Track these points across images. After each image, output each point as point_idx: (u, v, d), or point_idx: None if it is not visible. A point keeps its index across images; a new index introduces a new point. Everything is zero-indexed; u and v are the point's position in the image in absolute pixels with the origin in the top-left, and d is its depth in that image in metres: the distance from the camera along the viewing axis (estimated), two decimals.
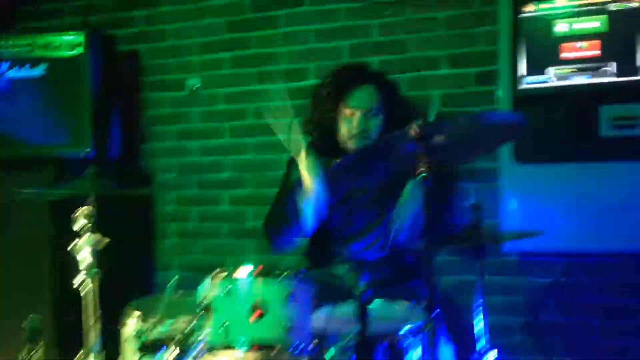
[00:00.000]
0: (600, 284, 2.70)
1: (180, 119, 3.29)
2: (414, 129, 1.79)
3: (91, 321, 2.05)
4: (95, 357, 2.03)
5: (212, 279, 1.75)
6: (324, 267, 2.46)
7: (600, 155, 2.51)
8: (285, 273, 1.74)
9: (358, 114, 2.41)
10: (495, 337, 2.79)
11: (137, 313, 2.07)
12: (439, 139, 1.80)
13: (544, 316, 2.76)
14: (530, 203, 2.64)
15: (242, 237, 3.21)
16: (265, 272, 1.75)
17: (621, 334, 2.67)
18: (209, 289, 1.75)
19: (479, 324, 2.04)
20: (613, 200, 2.50)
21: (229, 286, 1.72)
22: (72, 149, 2.80)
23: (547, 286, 2.75)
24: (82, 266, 2.06)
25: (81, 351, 2.03)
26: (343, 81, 2.44)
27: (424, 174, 1.77)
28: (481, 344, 2.03)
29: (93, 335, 2.06)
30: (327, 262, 2.47)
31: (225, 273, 1.74)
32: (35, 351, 1.84)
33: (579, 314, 2.73)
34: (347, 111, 2.42)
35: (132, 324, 2.08)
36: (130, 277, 2.97)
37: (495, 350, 2.00)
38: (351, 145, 2.44)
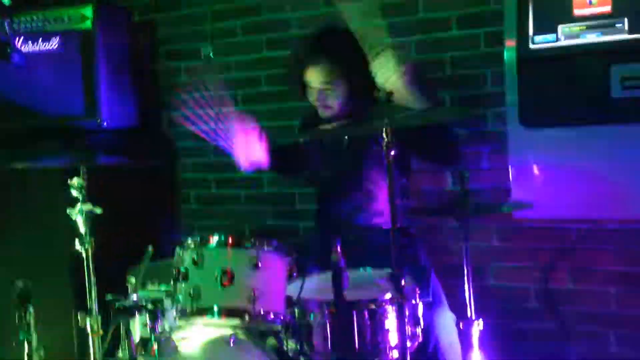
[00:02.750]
0: (615, 251, 2.60)
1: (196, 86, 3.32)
2: None
3: (87, 286, 2.13)
4: (91, 322, 2.11)
5: (183, 247, 1.79)
6: (324, 232, 2.48)
7: (612, 117, 2.37)
8: (256, 242, 1.76)
9: (314, 90, 2.41)
10: (508, 302, 2.77)
11: (132, 280, 2.17)
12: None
13: (557, 283, 2.69)
14: (539, 168, 2.54)
15: (260, 202, 3.25)
16: (236, 241, 1.78)
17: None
18: (181, 257, 1.79)
19: (467, 292, 1.99)
20: (625, 164, 2.38)
21: (200, 254, 1.76)
22: (86, 119, 2.89)
23: (561, 253, 2.67)
24: (78, 234, 2.13)
25: (77, 314, 2.11)
26: (299, 59, 2.44)
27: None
28: (469, 312, 1.99)
29: (90, 299, 2.14)
30: (326, 226, 2.47)
31: (197, 241, 1.77)
32: (24, 315, 1.93)
33: (595, 282, 2.64)
34: (307, 85, 2.43)
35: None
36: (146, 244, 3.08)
37: (481, 320, 1.95)
38: (322, 112, 2.43)
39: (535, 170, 2.54)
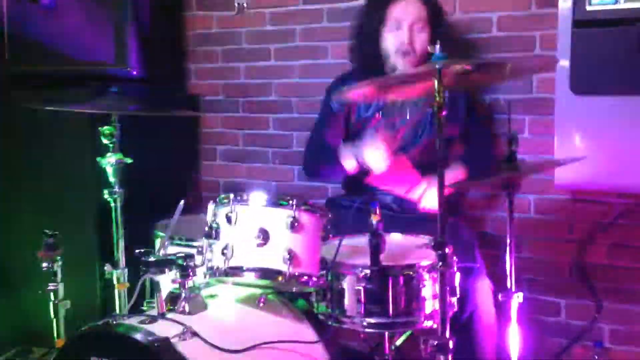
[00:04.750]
0: None
1: (227, 39, 3.22)
2: None
3: (115, 238, 2.08)
4: (117, 274, 2.07)
5: (217, 203, 1.71)
6: (357, 195, 2.40)
7: None
8: (292, 202, 1.68)
9: (405, 26, 2.29)
10: (543, 276, 2.68)
11: (161, 233, 2.11)
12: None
13: (595, 258, 2.59)
14: (586, 137, 2.42)
15: (287, 162, 3.17)
16: (273, 200, 1.70)
17: None
18: (214, 213, 1.72)
19: (507, 263, 1.91)
20: None
21: (234, 212, 1.69)
22: (116, 66, 2.80)
23: (601, 227, 2.56)
24: (107, 183, 2.08)
25: (105, 266, 2.07)
26: None
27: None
28: (508, 283, 1.91)
29: (117, 251, 2.10)
30: (362, 189, 2.39)
31: (231, 198, 1.70)
32: (51, 266, 1.89)
33: (633, 259, 2.54)
34: (393, 23, 2.31)
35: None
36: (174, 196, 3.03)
37: (521, 294, 1.87)
38: (397, 61, 2.33)
39: (582, 140, 2.42)
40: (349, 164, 2.30)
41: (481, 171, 2.29)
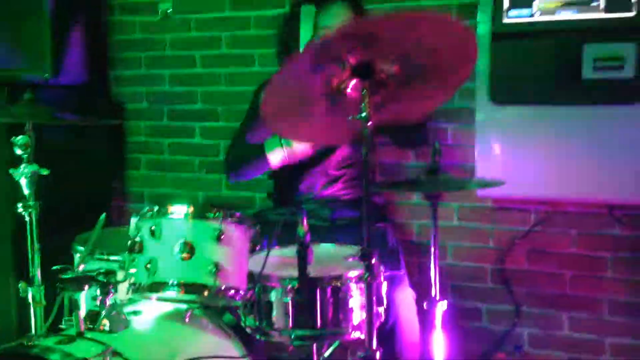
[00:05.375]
0: (575, 234, 2.60)
1: (151, 45, 3.14)
2: None
3: (30, 253, 1.98)
4: (33, 292, 1.96)
5: (140, 216, 1.66)
6: (285, 205, 2.38)
7: (582, 98, 2.34)
8: (218, 214, 1.65)
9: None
10: (465, 282, 2.75)
11: (80, 248, 2.02)
12: None
13: (515, 264, 2.68)
14: (506, 146, 2.50)
15: (214, 171, 3.12)
16: (198, 213, 1.66)
17: (591, 286, 2.58)
18: (137, 227, 1.66)
19: (432, 271, 1.93)
20: (594, 146, 2.36)
21: (158, 225, 1.64)
22: (31, 72, 2.68)
23: (520, 234, 2.65)
24: (21, 196, 1.97)
25: (19, 284, 1.96)
26: None
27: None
28: (433, 291, 1.93)
29: (33, 267, 1.99)
30: (289, 200, 2.38)
31: (155, 211, 1.65)
32: None
33: (551, 264, 2.64)
34: (322, 30, 2.30)
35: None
36: (94, 208, 2.92)
37: (445, 302, 1.90)
38: None
39: (502, 149, 2.50)
40: (275, 156, 2.27)
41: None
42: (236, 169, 2.44)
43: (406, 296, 2.22)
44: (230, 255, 1.66)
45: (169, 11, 3.07)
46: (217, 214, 1.64)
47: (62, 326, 1.78)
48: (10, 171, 1.93)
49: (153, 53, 3.14)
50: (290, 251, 1.84)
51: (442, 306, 1.90)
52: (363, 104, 1.58)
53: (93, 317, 1.63)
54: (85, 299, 1.70)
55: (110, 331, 1.62)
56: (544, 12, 2.36)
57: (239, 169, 2.44)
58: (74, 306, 1.63)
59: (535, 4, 2.37)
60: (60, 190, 2.23)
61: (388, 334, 2.15)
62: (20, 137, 1.93)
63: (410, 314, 2.21)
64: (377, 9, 2.66)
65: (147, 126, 3.19)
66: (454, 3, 2.64)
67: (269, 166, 2.29)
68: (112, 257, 1.90)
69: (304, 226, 1.72)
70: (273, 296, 1.76)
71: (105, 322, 1.63)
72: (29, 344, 1.53)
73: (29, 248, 1.98)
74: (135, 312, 1.75)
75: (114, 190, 3.21)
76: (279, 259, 1.89)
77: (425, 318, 2.01)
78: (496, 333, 2.71)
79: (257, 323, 1.79)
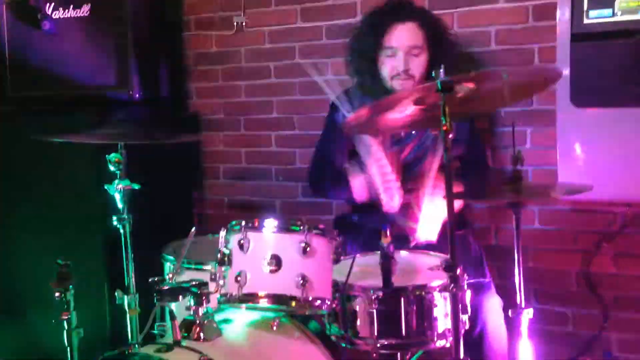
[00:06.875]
0: None
1: (227, 58, 3.23)
2: None
3: (125, 263, 2.09)
4: (129, 299, 2.07)
5: (228, 230, 1.72)
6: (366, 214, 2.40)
7: None
8: (303, 227, 1.69)
9: (400, 52, 2.29)
10: (550, 286, 2.70)
11: (172, 258, 2.11)
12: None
13: (601, 268, 2.61)
14: (589, 148, 2.44)
15: (290, 179, 3.17)
16: (283, 225, 1.71)
17: None
18: (226, 240, 1.73)
19: (517, 278, 1.92)
20: None
21: (247, 238, 1.69)
22: (117, 89, 2.81)
23: (606, 237, 2.58)
24: (115, 211, 2.08)
25: (116, 292, 2.07)
26: (383, 17, 2.32)
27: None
28: (518, 299, 1.92)
29: (128, 276, 2.10)
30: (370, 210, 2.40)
31: (243, 224, 1.71)
32: (64, 295, 1.89)
33: (638, 267, 2.56)
34: (388, 50, 2.30)
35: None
36: (178, 218, 3.04)
37: (531, 309, 1.88)
38: (395, 86, 2.34)
39: (584, 151, 2.44)
40: (359, 195, 2.30)
41: (477, 183, 2.30)
42: (319, 188, 2.51)
43: (493, 304, 2.20)
44: (316, 267, 1.70)
45: (243, 24, 3.14)
46: (301, 226, 1.68)
47: (154, 331, 1.88)
48: (106, 186, 2.05)
49: (229, 65, 3.23)
50: (373, 259, 1.87)
51: (527, 314, 1.89)
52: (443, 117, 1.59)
53: (187, 326, 1.70)
54: (175, 307, 1.79)
55: (205, 340, 1.69)
56: (626, 11, 2.29)
57: (321, 188, 2.51)
58: (171, 316, 1.70)
59: (616, 3, 2.30)
60: (148, 202, 2.32)
61: (475, 341, 2.14)
62: (112, 154, 2.04)
63: (497, 322, 2.19)
64: (447, 14, 2.66)
65: (224, 136, 3.29)
66: (530, 5, 2.59)
67: (351, 196, 2.33)
68: (200, 266, 1.99)
69: (387, 237, 1.74)
70: (358, 306, 1.80)
71: (199, 330, 1.70)
72: (129, 352, 1.61)
73: (124, 258, 2.09)
74: (225, 321, 1.82)
75: (196, 198, 3.32)
76: (363, 268, 1.92)
77: (511, 324, 2.00)
78: (583, 338, 2.65)
79: (342, 331, 1.83)
